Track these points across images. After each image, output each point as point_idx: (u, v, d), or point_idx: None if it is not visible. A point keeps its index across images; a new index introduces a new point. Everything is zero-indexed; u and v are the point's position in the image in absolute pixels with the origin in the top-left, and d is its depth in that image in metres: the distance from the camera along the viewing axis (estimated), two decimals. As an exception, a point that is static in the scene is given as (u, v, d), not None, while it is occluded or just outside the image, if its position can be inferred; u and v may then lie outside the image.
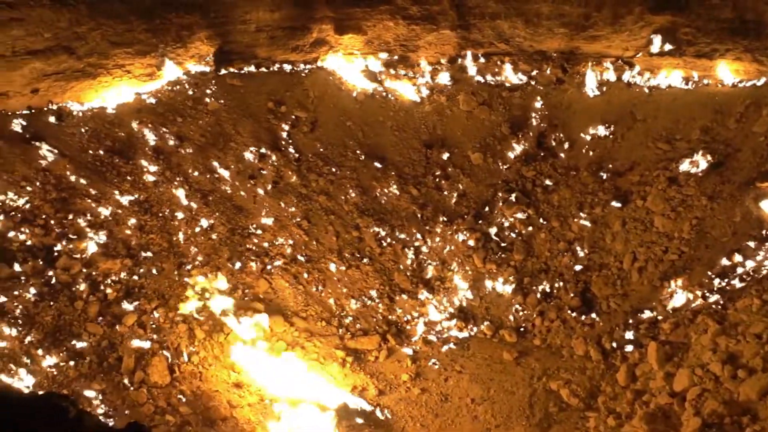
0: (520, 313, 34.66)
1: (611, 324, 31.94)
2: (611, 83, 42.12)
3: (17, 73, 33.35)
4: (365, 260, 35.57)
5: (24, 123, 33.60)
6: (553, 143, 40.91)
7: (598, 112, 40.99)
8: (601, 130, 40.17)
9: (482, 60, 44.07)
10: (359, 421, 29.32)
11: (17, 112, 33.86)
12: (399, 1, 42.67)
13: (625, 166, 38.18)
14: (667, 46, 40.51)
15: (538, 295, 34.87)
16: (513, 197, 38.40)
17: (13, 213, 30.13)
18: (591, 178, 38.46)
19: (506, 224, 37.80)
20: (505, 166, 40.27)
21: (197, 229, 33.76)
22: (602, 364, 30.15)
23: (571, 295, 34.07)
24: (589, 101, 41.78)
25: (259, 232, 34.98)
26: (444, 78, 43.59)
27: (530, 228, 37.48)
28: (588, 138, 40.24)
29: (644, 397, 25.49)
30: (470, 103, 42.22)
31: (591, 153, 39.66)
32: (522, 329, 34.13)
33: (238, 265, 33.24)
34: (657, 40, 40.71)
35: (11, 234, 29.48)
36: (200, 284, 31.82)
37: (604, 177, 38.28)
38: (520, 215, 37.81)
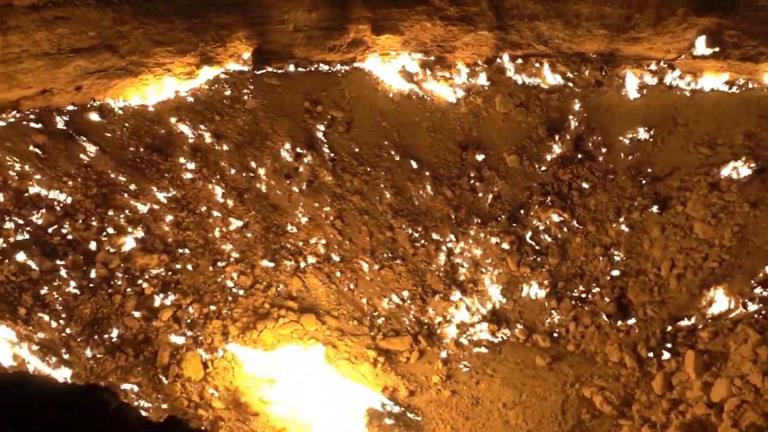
0: (554, 318, 34.26)
1: (647, 331, 31.37)
2: (652, 86, 41.41)
3: (62, 70, 34.13)
4: (398, 261, 35.55)
5: (67, 119, 34.39)
6: (591, 146, 40.37)
7: (638, 115, 40.33)
8: (641, 134, 39.53)
9: (520, 61, 43.70)
10: (389, 421, 29.34)
11: (61, 109, 34.65)
12: (436, 1, 42.54)
13: (665, 170, 37.50)
14: (711, 49, 39.64)
15: (573, 300, 34.43)
16: (549, 200, 38.00)
17: (56, 207, 30.86)
18: (629, 182, 37.86)
19: (541, 227, 37.43)
20: (541, 169, 39.87)
21: (233, 227, 34.14)
22: (637, 372, 29.63)
23: (607, 300, 33.57)
24: (629, 104, 41.13)
25: (293, 230, 35.23)
26: (481, 79, 43.33)
27: (566, 232, 37.04)
28: (627, 141, 39.62)
29: (680, 406, 24.99)
30: (507, 105, 41.91)
31: (630, 157, 39.03)
32: (555, 334, 33.72)
33: (272, 263, 33.52)
34: (701, 42, 39.88)
35: (53, 228, 30.21)
36: (234, 281, 32.18)
37: (643, 181, 37.65)
38: (555, 218, 37.40)
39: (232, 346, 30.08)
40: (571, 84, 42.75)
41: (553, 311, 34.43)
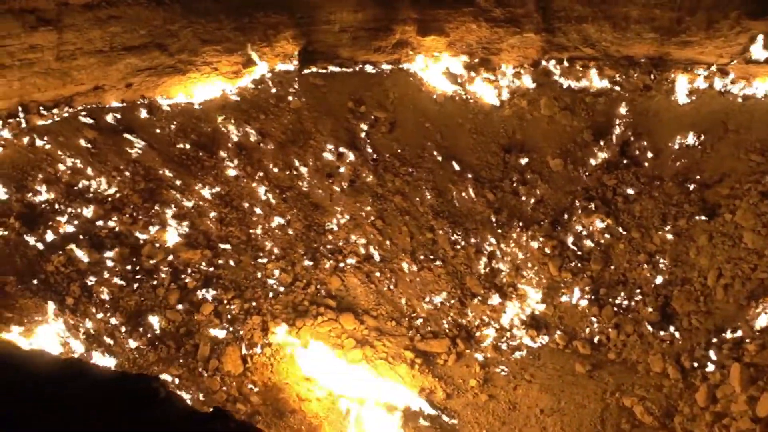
0: (595, 325, 33.73)
1: (692, 342, 30.67)
2: (702, 91, 40.47)
3: (113, 67, 35.02)
4: (438, 262, 35.46)
5: (117, 116, 35.26)
6: (637, 152, 39.68)
7: (687, 120, 39.48)
8: (690, 140, 38.68)
9: (566, 64, 43.21)
10: (425, 423, 29.28)
11: (112, 105, 35.53)
12: (483, 3, 42.36)
13: (714, 177, 36.61)
14: (765, 54, 38.55)
15: (615, 308, 33.86)
16: (592, 205, 37.47)
17: (104, 201, 31.66)
18: (676, 189, 37.08)
19: (584, 233, 36.91)
20: (585, 174, 39.35)
21: (274, 224, 34.53)
22: (680, 383, 28.98)
23: (650, 309, 32.92)
24: (678, 109, 40.30)
25: (334, 229, 35.45)
26: (526, 81, 42.96)
27: (609, 238, 36.46)
28: (675, 147, 38.81)
29: (724, 420, 24.39)
30: (552, 108, 41.45)
31: (677, 163, 38.23)
32: (596, 341, 33.19)
33: (312, 261, 33.77)
34: (755, 47, 38.82)
35: (101, 221, 30.99)
36: (275, 278, 32.53)
37: (691, 188, 36.83)
38: (599, 224, 36.85)
39: (272, 341, 30.36)
40: (618, 88, 42.08)
41: (594, 318, 33.90)
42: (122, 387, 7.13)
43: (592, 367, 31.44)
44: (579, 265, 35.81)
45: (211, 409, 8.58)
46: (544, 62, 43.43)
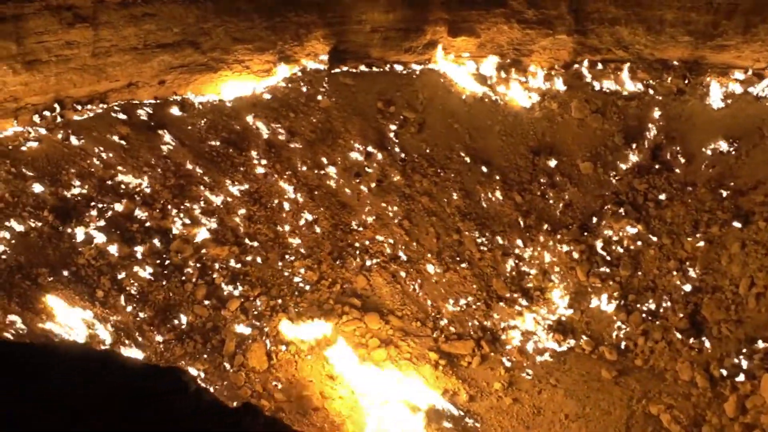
0: (623, 331, 33.30)
1: (722, 351, 30.12)
2: (738, 96, 39.74)
3: (147, 65, 35.52)
4: (464, 264, 35.33)
5: (150, 112, 35.75)
6: (670, 156, 39.11)
7: (722, 126, 38.79)
8: (724, 146, 38.01)
9: (598, 67, 42.75)
10: (448, 425, 29.19)
11: (144, 102, 36.03)
12: (515, 4, 42.10)
13: (749, 184, 35.90)
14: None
15: (643, 314, 33.40)
16: (622, 210, 37.02)
17: (136, 196, 32.13)
18: (709, 195, 36.46)
19: (613, 238, 36.48)
20: (615, 178, 38.90)
21: (302, 222, 34.71)
22: (709, 392, 28.50)
23: (680, 316, 32.41)
24: (712, 114, 39.61)
25: (360, 229, 35.51)
26: (557, 84, 42.59)
27: (639, 243, 35.98)
28: (708, 153, 38.16)
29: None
30: (583, 111, 41.04)
31: (711, 169, 37.59)
32: (623, 348, 32.78)
33: (338, 260, 33.88)
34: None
35: (132, 215, 31.46)
36: (301, 276, 32.69)
37: (724, 195, 36.17)
38: (629, 229, 36.39)
39: (296, 339, 30.51)
40: (651, 91, 41.54)
41: (621, 324, 33.47)
42: (153, 380, 7.23)
43: (618, 373, 31.07)
44: (607, 270, 35.40)
45: (236, 404, 8.66)
46: (576, 64, 43.00)
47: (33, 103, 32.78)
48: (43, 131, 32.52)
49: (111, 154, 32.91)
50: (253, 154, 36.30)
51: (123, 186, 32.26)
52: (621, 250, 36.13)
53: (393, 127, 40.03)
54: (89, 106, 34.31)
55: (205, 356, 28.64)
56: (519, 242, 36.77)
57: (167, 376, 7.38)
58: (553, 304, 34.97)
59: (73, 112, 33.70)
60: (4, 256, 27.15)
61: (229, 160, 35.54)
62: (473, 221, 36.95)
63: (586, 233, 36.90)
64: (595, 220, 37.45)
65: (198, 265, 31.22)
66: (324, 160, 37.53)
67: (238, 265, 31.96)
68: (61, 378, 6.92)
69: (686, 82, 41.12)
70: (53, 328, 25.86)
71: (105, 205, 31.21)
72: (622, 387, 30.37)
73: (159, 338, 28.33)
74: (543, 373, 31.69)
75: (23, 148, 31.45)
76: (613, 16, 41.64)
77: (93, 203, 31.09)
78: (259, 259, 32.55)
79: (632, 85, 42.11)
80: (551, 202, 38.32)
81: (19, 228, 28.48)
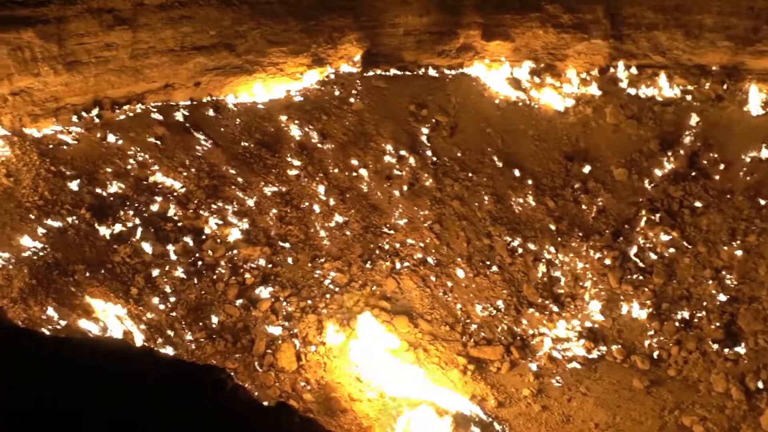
0: (655, 340, 32.80)
1: (758, 362, 29.49)
2: (779, 102, 38.88)
3: (183, 66, 36.05)
4: (494, 269, 35.12)
5: (185, 113, 36.27)
6: (707, 163, 38.42)
7: (761, 133, 38.02)
8: (763, 153, 37.25)
9: (634, 72, 42.20)
10: (476, 430, 29.03)
11: (180, 103, 36.56)
12: (550, 8, 41.78)
13: (789, 193, 35.12)
14: None
15: (677, 323, 32.85)
16: (657, 217, 36.48)
17: (170, 195, 32.59)
18: (747, 203, 35.74)
19: (647, 245, 35.95)
20: (650, 184, 38.36)
21: (333, 224, 34.85)
22: (744, 405, 27.93)
23: (715, 326, 31.81)
24: (752, 121, 38.84)
25: (391, 232, 35.52)
26: (592, 89, 42.15)
27: (673, 251, 35.41)
28: (747, 160, 37.42)
29: (791, 446, 23.35)
30: (618, 116, 40.55)
31: (749, 177, 36.84)
32: (656, 357, 32.28)
33: (368, 262, 33.92)
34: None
35: (167, 215, 31.92)
36: (331, 278, 32.80)
37: (762, 203, 35.43)
38: (663, 237, 35.83)
39: (326, 340, 30.63)
40: (688, 97, 40.89)
41: (654, 333, 32.97)
42: (191, 377, 7.34)
43: (650, 383, 30.60)
44: (641, 277, 34.90)
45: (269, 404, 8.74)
46: (611, 69, 42.51)
47: (73, 103, 33.47)
48: (82, 131, 33.17)
49: (147, 154, 33.45)
50: (286, 155, 36.57)
51: (158, 185, 32.75)
52: (655, 258, 35.59)
53: (425, 131, 40.01)
54: (127, 107, 34.92)
55: (236, 355, 28.90)
56: (551, 248, 36.44)
57: (205, 374, 7.49)
58: (584, 311, 34.57)
59: (111, 113, 34.34)
60: (42, 253, 27.73)
61: (262, 162, 35.85)
62: (504, 226, 36.73)
63: (619, 240, 36.44)
64: (628, 226, 36.94)
65: (230, 264, 31.54)
66: (355, 162, 37.65)
67: (269, 266, 32.20)
68: (99, 371, 7.05)
69: (725, 88, 40.38)
70: (89, 324, 26.35)
71: (140, 204, 31.73)
72: (655, 397, 29.90)
73: (190, 336, 28.68)
74: (573, 381, 31.34)
75: (63, 147, 32.12)
76: (651, 21, 41.08)
77: (129, 202, 31.62)
78: (289, 260, 32.76)
79: (669, 91, 41.49)
80: (584, 207, 37.92)
81: (58, 225, 29.08)
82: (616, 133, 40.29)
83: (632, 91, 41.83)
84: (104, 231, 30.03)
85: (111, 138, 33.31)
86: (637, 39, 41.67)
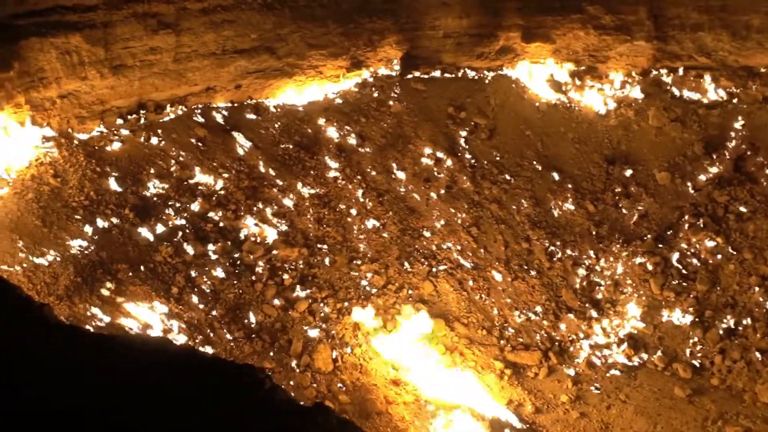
0: (698, 348, 32.12)
1: (806, 373, 28.63)
2: (830, 105, 37.76)
3: (225, 69, 36.58)
4: (533, 273, 34.80)
5: (226, 115, 36.78)
6: (753, 168, 37.53)
7: (811, 136, 36.98)
8: (813, 157, 36.19)
9: (678, 74, 41.42)
10: (512, 436, 28.80)
11: (221, 105, 37.11)
12: (592, 9, 41.26)
13: (840, 199, 34.04)
14: None
15: (721, 331, 32.14)
16: (701, 222, 35.74)
17: (211, 196, 33.10)
18: (796, 209, 34.76)
19: (691, 251, 35.23)
20: (694, 189, 37.60)
21: (370, 227, 34.94)
22: (791, 417, 27.13)
23: (760, 335, 31.00)
24: (801, 124, 37.79)
25: (428, 234, 35.47)
26: (634, 91, 41.51)
27: (718, 257, 34.64)
28: (796, 164, 36.40)
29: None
30: (661, 119, 39.84)
31: (798, 181, 35.83)
32: (699, 366, 31.61)
33: (405, 264, 33.93)
34: None
35: (207, 215, 32.43)
36: (368, 280, 32.90)
37: (812, 209, 34.41)
38: (707, 243, 35.07)
39: (362, 342, 30.72)
40: (734, 100, 40.00)
41: (697, 341, 32.28)
42: (230, 375, 7.45)
43: (692, 392, 29.98)
44: (683, 284, 34.21)
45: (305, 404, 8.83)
46: (654, 71, 41.81)
47: (118, 105, 34.21)
48: (126, 132, 33.89)
49: (188, 156, 34.03)
50: (324, 157, 36.82)
51: (199, 186, 33.28)
52: (698, 264, 34.87)
53: (463, 133, 39.87)
54: (169, 109, 35.58)
55: (273, 355, 29.18)
56: (590, 252, 35.96)
57: (244, 373, 7.60)
58: (624, 317, 34.03)
59: (154, 115, 35.01)
60: (87, 252, 28.42)
61: (301, 164, 36.15)
62: (543, 230, 36.38)
63: (661, 245, 35.78)
64: (671, 232, 36.26)
65: (268, 265, 31.87)
66: (393, 165, 37.70)
67: (307, 267, 32.43)
68: (141, 371, 7.20)
69: (773, 90, 39.39)
70: (130, 322, 26.93)
71: (182, 205, 32.28)
72: (697, 407, 29.27)
73: (229, 336, 29.04)
74: (612, 388, 30.87)
75: (108, 149, 32.86)
76: (696, 22, 40.30)
77: (171, 202, 32.20)
78: (327, 262, 32.96)
79: (714, 93, 40.64)
80: (625, 212, 37.34)
81: (102, 225, 29.77)
82: (659, 136, 39.59)
83: (676, 93, 41.09)
84: (146, 231, 30.63)
85: (154, 140, 33.96)
86: (681, 40, 40.91)
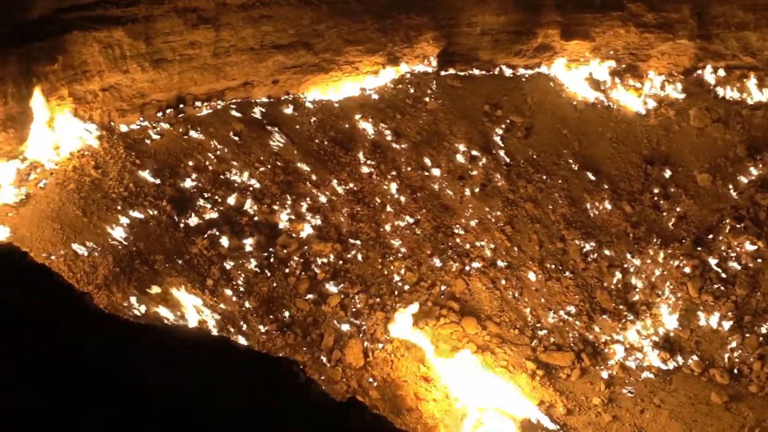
0: (736, 354, 31.45)
1: None
2: None
3: (263, 64, 36.89)
4: (567, 273, 34.41)
5: (263, 110, 37.11)
6: (798, 171, 36.53)
7: None
8: None
9: (722, 73, 40.52)
10: (543, 437, 28.57)
11: (258, 100, 37.43)
12: (633, 7, 40.60)
13: None
14: None
15: (760, 337, 31.45)
16: (741, 226, 34.94)
17: (246, 190, 33.45)
18: (842, 213, 33.75)
19: (730, 254, 34.48)
20: (736, 191, 36.78)
21: (403, 223, 34.92)
22: (832, 427, 26.41)
23: (802, 343, 30.21)
24: None
25: (461, 232, 35.31)
26: (675, 91, 40.72)
27: (759, 261, 33.88)
28: (843, 168, 35.35)
29: None
30: (703, 120, 39.03)
31: None
32: (736, 372, 30.96)
33: (438, 262, 33.84)
34: None
35: (243, 209, 32.78)
36: (401, 276, 32.89)
37: None
38: (748, 246, 34.29)
39: (393, 339, 30.74)
40: (780, 100, 38.98)
41: (735, 346, 31.61)
42: (266, 367, 7.52)
43: (729, 398, 29.40)
44: (722, 288, 33.51)
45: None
46: (696, 71, 40.98)
47: (158, 99, 34.77)
48: (165, 126, 34.42)
49: (225, 150, 34.41)
50: (359, 153, 36.89)
51: (235, 180, 33.65)
52: (738, 268, 34.13)
53: (499, 131, 39.57)
54: (208, 103, 36.02)
55: (305, 349, 29.40)
56: (627, 254, 35.42)
57: (279, 366, 7.67)
58: (660, 320, 33.47)
59: (193, 109, 35.50)
60: (125, 242, 28.99)
61: (336, 159, 36.28)
62: (579, 230, 35.94)
63: (700, 248, 35.08)
64: (710, 234, 35.54)
65: (301, 260, 32.08)
66: (428, 162, 37.61)
67: (340, 262, 32.58)
68: (178, 360, 7.31)
69: (821, 91, 38.32)
70: (166, 312, 27.39)
71: (218, 198, 32.68)
72: (733, 413, 28.70)
73: (262, 329, 29.36)
74: (646, 392, 30.42)
75: (147, 141, 33.44)
76: (741, 21, 39.41)
77: (207, 195, 32.61)
78: (360, 257, 33.06)
79: (759, 94, 39.70)
80: (664, 213, 36.69)
81: (140, 216, 30.32)
82: (701, 137, 38.80)
83: (719, 93, 40.24)
84: (183, 223, 31.10)
85: (192, 133, 34.43)
86: (725, 39, 40.05)
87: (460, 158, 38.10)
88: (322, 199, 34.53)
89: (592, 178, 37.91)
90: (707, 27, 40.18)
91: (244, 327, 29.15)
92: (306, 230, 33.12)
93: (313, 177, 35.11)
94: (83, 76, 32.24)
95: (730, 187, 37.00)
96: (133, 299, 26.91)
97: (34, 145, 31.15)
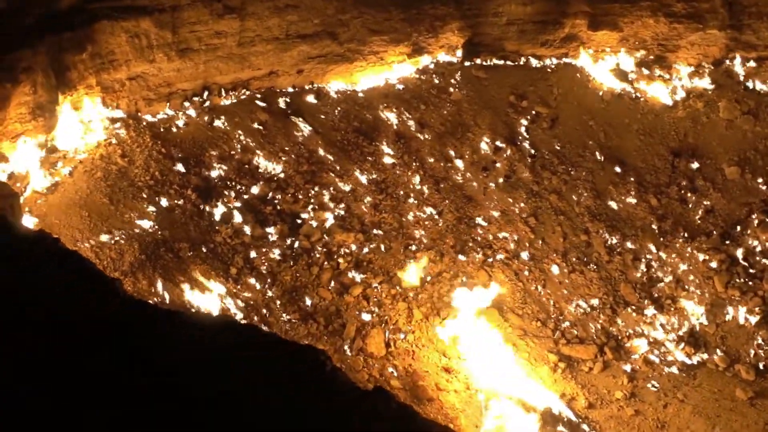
0: (763, 350, 31.04)
1: None
2: None
3: (287, 54, 36.99)
4: (591, 266, 34.16)
5: (288, 100, 37.25)
6: (830, 165, 35.82)
7: None
8: None
9: (753, 64, 39.79)
10: (564, 430, 28.47)
11: (283, 90, 37.57)
12: (663, -4, 39.98)
13: None
14: None
15: (788, 334, 30.94)
16: (771, 220, 34.37)
17: (271, 180, 33.66)
18: None
19: (759, 249, 33.98)
20: (765, 185, 36.16)
21: (426, 214, 34.90)
22: None
23: (831, 339, 29.73)
24: None
25: (485, 224, 35.19)
26: (704, 82, 40.08)
27: (788, 257, 33.30)
28: None
29: None
30: (732, 111, 38.38)
31: None
32: (762, 367, 30.57)
33: (461, 253, 33.77)
34: None
35: (267, 198, 33.00)
36: (423, 267, 32.90)
37: None
38: (777, 241, 33.72)
39: (415, 329, 30.79)
40: (812, 93, 38.18)
41: (762, 342, 31.20)
42: (293, 355, 7.60)
43: (755, 394, 29.05)
44: (749, 283, 33.06)
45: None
46: (727, 62, 40.26)
47: (183, 88, 35.06)
48: (191, 115, 34.71)
49: (250, 139, 34.64)
50: (383, 144, 36.89)
51: (259, 169, 33.87)
52: (766, 263, 33.60)
53: (524, 122, 39.29)
54: (233, 93, 36.24)
55: (326, 338, 29.58)
56: (652, 247, 35.05)
57: (306, 354, 7.74)
58: (685, 315, 33.11)
59: (218, 98, 35.76)
60: (151, 230, 29.36)
61: (359, 149, 36.33)
62: (603, 222, 35.62)
63: (727, 242, 34.61)
64: (738, 228, 35.03)
65: (324, 249, 32.23)
66: (452, 152, 37.49)
67: (363, 252, 32.67)
68: (202, 347, 7.41)
69: None
70: (191, 299, 27.73)
71: (242, 187, 32.94)
72: (759, 410, 28.35)
73: (285, 317, 29.58)
74: (669, 387, 30.14)
75: (173, 130, 33.78)
76: (774, 10, 38.62)
77: (231, 184, 32.89)
78: (382, 248, 33.11)
79: (791, 86, 38.94)
80: (690, 207, 36.22)
81: (166, 204, 30.68)
82: (730, 129, 38.18)
83: (749, 84, 39.54)
84: (208, 211, 31.41)
85: (217, 122, 34.69)
86: (757, 29, 39.29)
87: (484, 149, 37.93)
88: (346, 189, 34.62)
89: (618, 170, 37.52)
90: (738, 17, 39.44)
91: (267, 315, 29.40)
92: (329, 220, 33.26)
93: (337, 167, 35.21)
94: (111, 65, 32.63)
95: (760, 180, 36.41)
96: (158, 286, 27.26)
97: (62, 134, 31.64)
